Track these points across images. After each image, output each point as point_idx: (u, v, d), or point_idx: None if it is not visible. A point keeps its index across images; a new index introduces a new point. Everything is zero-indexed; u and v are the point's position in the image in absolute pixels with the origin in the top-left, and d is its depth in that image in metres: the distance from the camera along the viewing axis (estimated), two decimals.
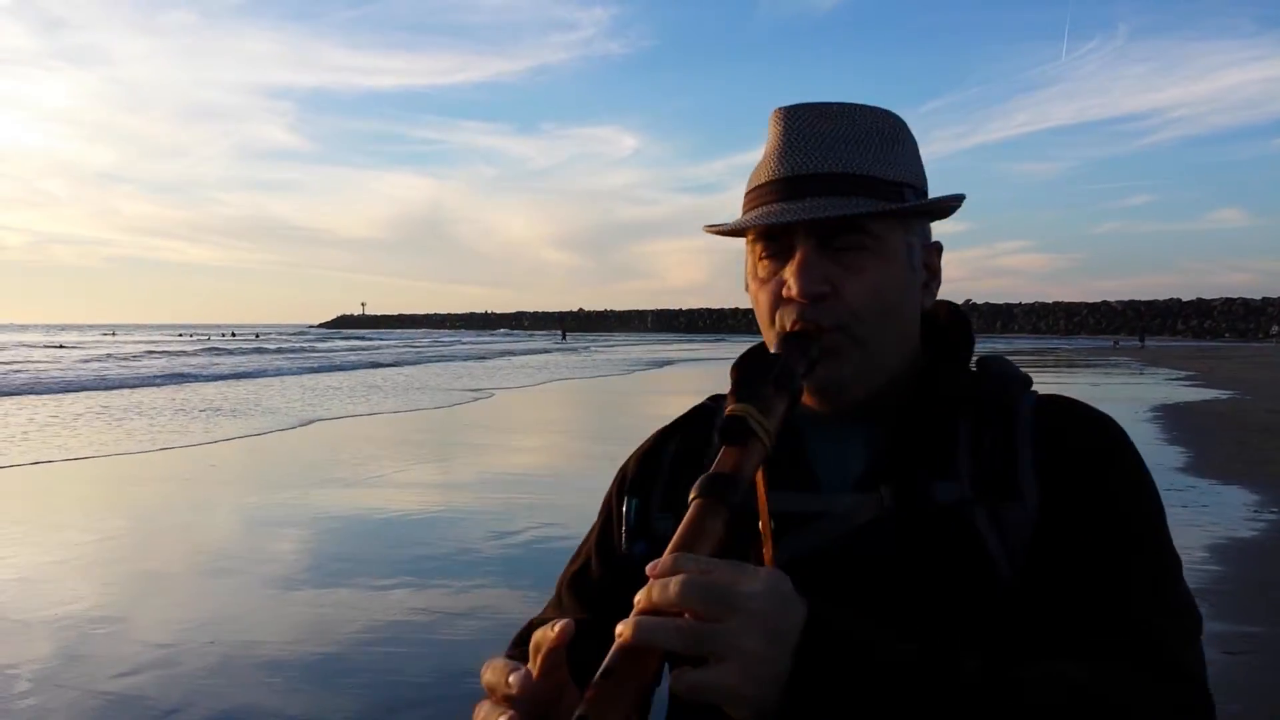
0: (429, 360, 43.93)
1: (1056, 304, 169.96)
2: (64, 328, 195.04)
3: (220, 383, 27.24)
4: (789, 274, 1.02)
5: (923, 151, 1.12)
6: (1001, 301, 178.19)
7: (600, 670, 0.75)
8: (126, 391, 23.83)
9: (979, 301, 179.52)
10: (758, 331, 1.12)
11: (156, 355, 45.56)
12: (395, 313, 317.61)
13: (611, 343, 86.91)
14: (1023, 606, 0.95)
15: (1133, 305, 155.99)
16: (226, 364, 37.14)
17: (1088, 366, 39.57)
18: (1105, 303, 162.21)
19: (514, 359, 46.72)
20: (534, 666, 0.80)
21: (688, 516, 0.83)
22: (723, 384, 1.08)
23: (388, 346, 67.06)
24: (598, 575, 1.16)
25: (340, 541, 7.66)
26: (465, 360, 44.29)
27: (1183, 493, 9.31)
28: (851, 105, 1.06)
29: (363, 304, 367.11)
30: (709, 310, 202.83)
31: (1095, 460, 1.00)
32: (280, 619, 5.59)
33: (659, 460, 1.16)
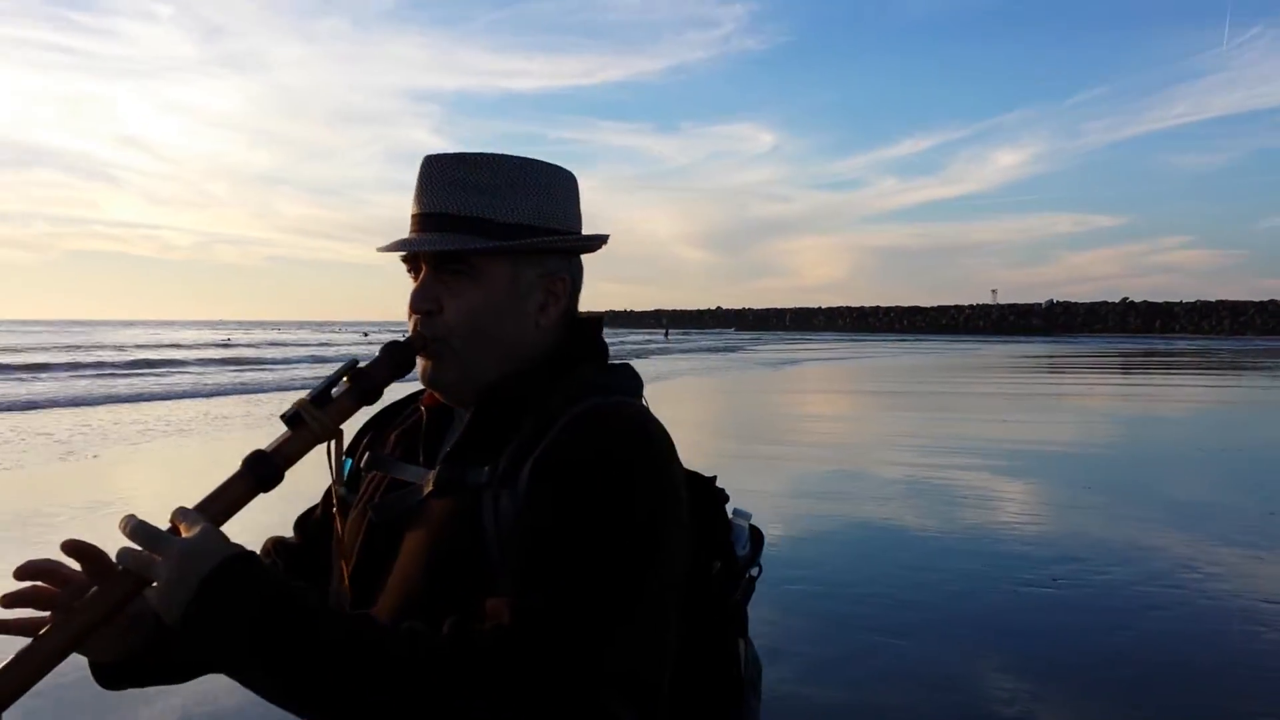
0: None
1: (1221, 302, 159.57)
2: (225, 324, 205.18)
3: None
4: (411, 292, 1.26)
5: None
6: (1161, 300, 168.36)
7: (104, 576, 1.09)
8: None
9: (1137, 300, 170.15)
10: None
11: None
12: None
13: (764, 343, 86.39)
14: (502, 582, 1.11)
15: None
16: None
17: (1256, 369, 37.23)
18: (1274, 301, 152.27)
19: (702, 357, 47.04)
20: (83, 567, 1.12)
21: (226, 479, 1.13)
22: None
23: None
24: (318, 515, 1.44)
25: None
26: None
27: None
28: (493, 156, 1.25)
29: None
30: (848, 308, 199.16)
31: (568, 470, 1.12)
32: None
33: (368, 430, 1.43)
